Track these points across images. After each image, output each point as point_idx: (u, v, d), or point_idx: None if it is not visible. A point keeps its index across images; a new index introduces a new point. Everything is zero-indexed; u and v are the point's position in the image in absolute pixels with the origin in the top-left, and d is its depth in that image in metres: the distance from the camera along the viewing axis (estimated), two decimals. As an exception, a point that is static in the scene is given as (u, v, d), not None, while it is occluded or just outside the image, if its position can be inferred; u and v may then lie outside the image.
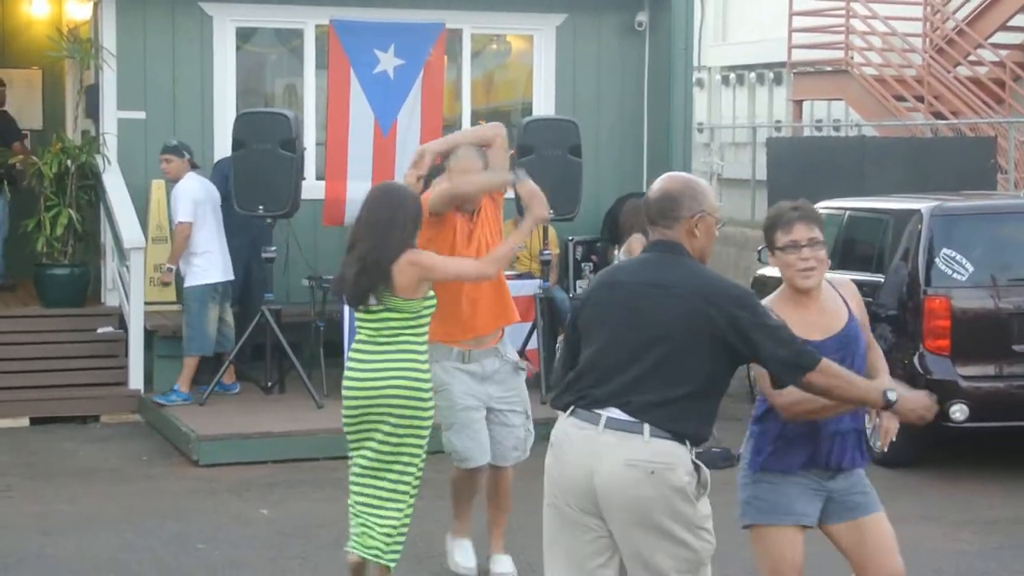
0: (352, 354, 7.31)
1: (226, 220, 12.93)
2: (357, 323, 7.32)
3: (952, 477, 10.60)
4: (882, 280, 11.31)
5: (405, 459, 7.15)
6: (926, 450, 10.67)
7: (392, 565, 7.20)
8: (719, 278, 5.42)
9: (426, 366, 7.23)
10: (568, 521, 5.46)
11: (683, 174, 5.64)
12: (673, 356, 5.28)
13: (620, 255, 13.03)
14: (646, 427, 5.24)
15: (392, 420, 7.09)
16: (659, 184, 5.50)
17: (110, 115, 13.71)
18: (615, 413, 5.28)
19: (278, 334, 12.19)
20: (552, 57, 15.13)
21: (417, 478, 7.22)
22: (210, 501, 9.92)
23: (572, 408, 5.40)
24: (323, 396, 11.96)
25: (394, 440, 7.12)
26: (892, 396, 5.46)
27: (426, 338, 7.26)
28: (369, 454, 7.14)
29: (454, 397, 7.78)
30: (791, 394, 5.53)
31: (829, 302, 5.95)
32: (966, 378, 10.42)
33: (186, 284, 12.25)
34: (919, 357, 10.65)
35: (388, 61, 13.44)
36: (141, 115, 13.87)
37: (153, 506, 9.76)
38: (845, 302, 5.97)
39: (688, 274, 5.39)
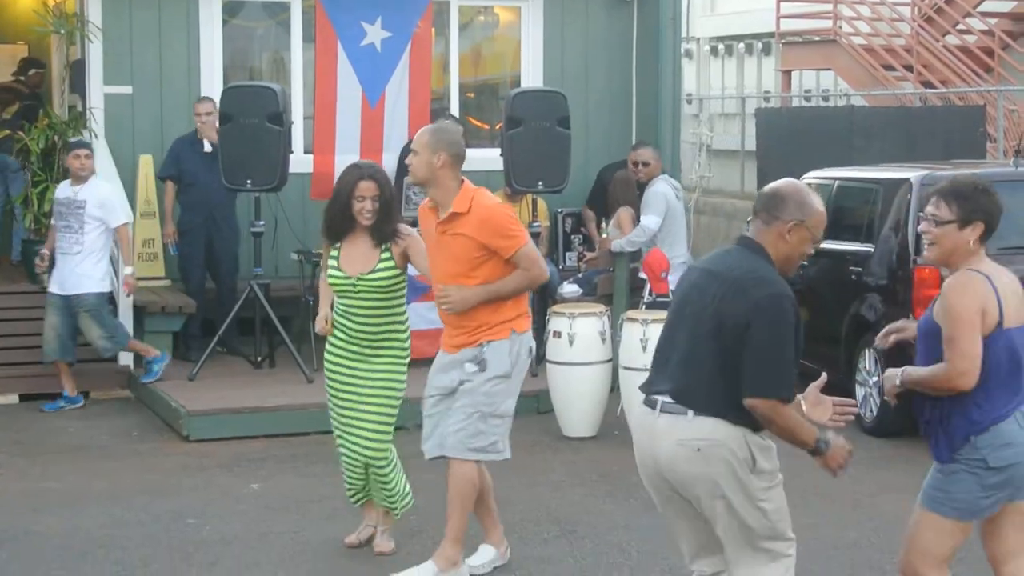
0: None
1: (182, 199, 13.02)
2: None
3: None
4: (872, 250, 11.30)
5: None
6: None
7: None
8: (767, 274, 5.48)
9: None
10: (658, 501, 5.76)
11: (801, 184, 5.73)
12: (709, 339, 5.45)
13: (610, 228, 13.02)
14: (690, 409, 5.47)
15: None
16: (776, 183, 5.68)
17: (97, 90, 13.64)
18: (667, 397, 5.53)
19: (267, 309, 12.16)
20: (540, 29, 15.08)
21: None
22: (200, 476, 9.90)
23: (645, 394, 5.67)
24: (313, 370, 11.92)
25: None
26: (823, 445, 5.52)
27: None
28: None
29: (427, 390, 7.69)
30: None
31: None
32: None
33: (97, 290, 11.89)
34: (909, 327, 10.64)
35: (375, 34, 13.40)
36: (128, 90, 13.81)
37: (143, 482, 9.74)
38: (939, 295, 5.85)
39: (741, 264, 5.52)
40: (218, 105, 12.51)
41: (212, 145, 12.87)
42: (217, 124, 12.67)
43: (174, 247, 13.21)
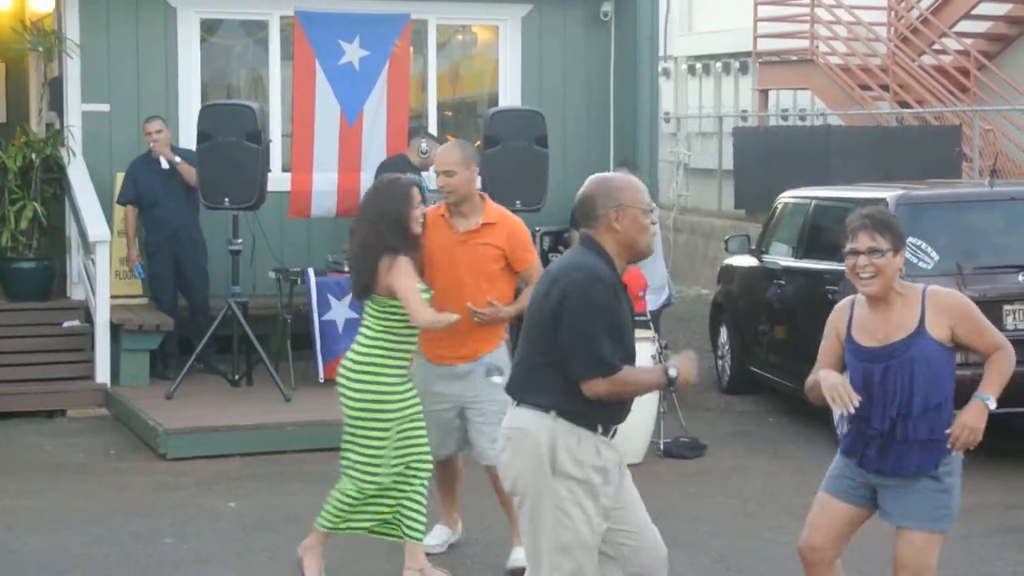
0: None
1: (145, 220, 12.98)
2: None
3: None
4: (848, 269, 11.33)
5: (352, 446, 7.60)
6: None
7: None
8: (582, 261, 5.58)
9: (388, 362, 7.40)
10: None
11: (602, 175, 5.86)
12: (536, 332, 5.60)
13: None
14: (516, 400, 5.67)
15: (345, 408, 7.59)
16: (581, 189, 5.76)
17: (74, 108, 13.62)
18: (509, 388, 5.76)
19: (245, 327, 12.15)
20: (518, 48, 15.11)
21: (366, 466, 7.50)
22: (178, 495, 9.89)
23: None
24: (291, 389, 11.94)
25: (347, 426, 7.63)
26: (673, 373, 5.61)
27: (396, 336, 7.39)
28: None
29: (420, 390, 7.78)
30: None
31: (901, 312, 5.92)
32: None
33: None
34: (886, 345, 10.69)
35: (353, 52, 13.43)
36: (105, 108, 13.80)
37: (120, 500, 9.72)
38: (923, 315, 5.89)
39: (567, 259, 5.68)
40: (196, 123, 12.51)
41: (169, 162, 12.89)
42: (169, 141, 12.91)
43: (139, 271, 13.18)
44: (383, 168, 13.19)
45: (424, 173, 13.45)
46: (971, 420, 5.85)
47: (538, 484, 5.49)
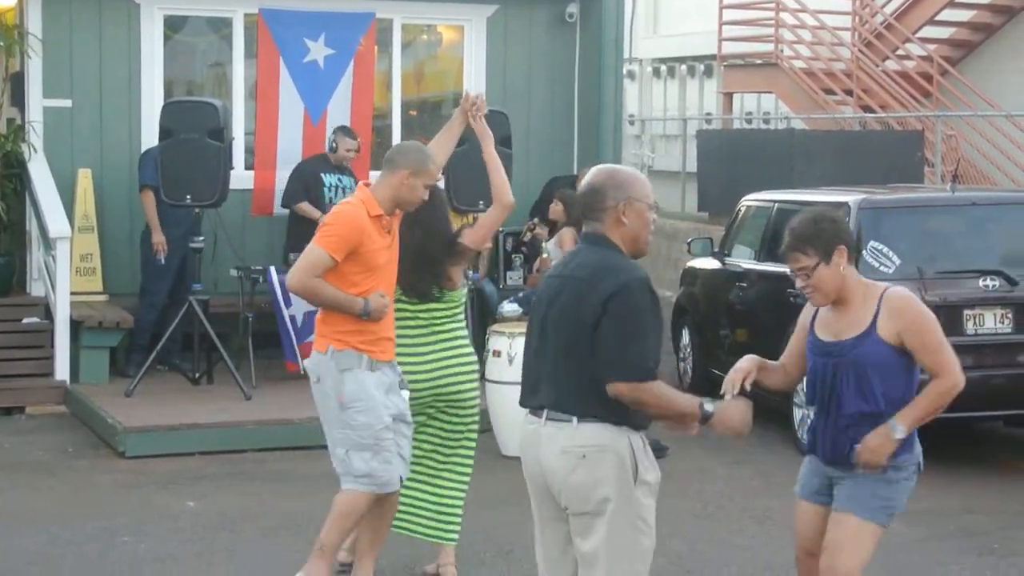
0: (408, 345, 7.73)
1: (161, 211, 12.82)
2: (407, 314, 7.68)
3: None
4: (810, 272, 11.36)
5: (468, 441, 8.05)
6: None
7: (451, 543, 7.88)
8: (615, 263, 5.37)
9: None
10: (538, 513, 5.67)
11: (609, 165, 5.65)
12: (573, 344, 5.35)
13: (550, 247, 13.03)
14: (573, 416, 5.35)
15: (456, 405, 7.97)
16: (586, 179, 5.57)
17: (36, 103, 13.56)
18: (551, 410, 5.41)
19: (206, 325, 12.11)
20: (483, 48, 15.10)
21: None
22: (136, 494, 9.84)
23: (527, 408, 5.57)
24: (251, 387, 11.89)
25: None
26: (709, 408, 5.42)
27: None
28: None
29: (376, 414, 7.18)
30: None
31: (858, 311, 5.89)
32: (893, 370, 10.45)
33: None
34: (847, 349, 10.72)
35: (318, 50, 13.41)
36: (67, 103, 13.73)
37: (79, 499, 9.67)
38: (876, 317, 5.85)
39: (589, 261, 5.42)
40: (159, 120, 12.43)
41: None
42: None
43: (163, 258, 12.92)
44: (300, 167, 13.10)
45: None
46: (873, 444, 5.78)
47: (622, 496, 5.32)
